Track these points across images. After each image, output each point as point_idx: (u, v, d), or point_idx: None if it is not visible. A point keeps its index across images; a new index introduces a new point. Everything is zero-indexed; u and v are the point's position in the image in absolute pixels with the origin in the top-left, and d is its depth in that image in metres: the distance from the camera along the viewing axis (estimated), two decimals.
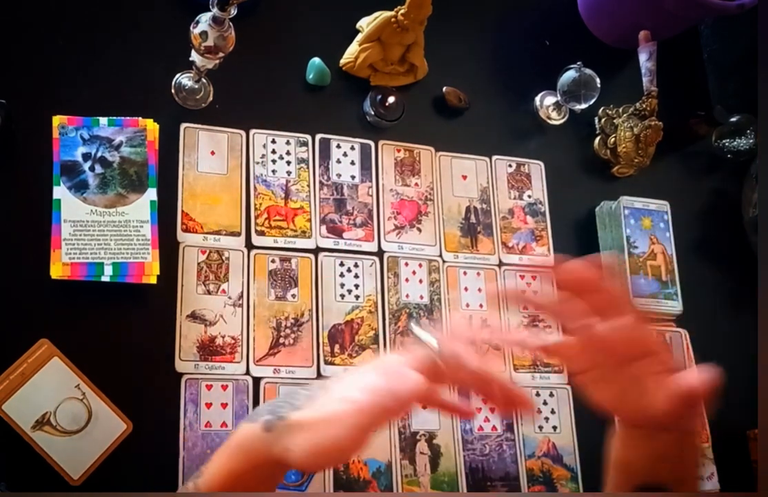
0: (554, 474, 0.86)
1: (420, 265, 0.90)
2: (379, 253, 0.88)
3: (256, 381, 0.79)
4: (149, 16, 0.88)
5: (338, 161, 0.91)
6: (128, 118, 0.80)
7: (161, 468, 0.74)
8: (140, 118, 0.80)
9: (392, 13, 0.89)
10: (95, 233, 0.75)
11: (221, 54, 0.76)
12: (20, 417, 0.68)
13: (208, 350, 0.78)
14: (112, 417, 0.72)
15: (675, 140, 1.05)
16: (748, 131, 1.06)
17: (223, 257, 0.82)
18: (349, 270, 0.86)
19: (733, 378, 0.95)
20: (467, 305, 0.90)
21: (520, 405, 0.53)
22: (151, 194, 0.78)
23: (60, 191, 0.76)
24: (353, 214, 0.89)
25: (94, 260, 0.74)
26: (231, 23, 0.74)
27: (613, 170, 1.02)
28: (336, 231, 0.87)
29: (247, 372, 0.79)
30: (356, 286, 0.86)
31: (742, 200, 1.05)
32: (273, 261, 0.84)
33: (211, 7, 0.71)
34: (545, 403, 0.88)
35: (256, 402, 0.78)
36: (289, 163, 0.88)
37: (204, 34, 0.74)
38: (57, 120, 0.78)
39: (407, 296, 0.88)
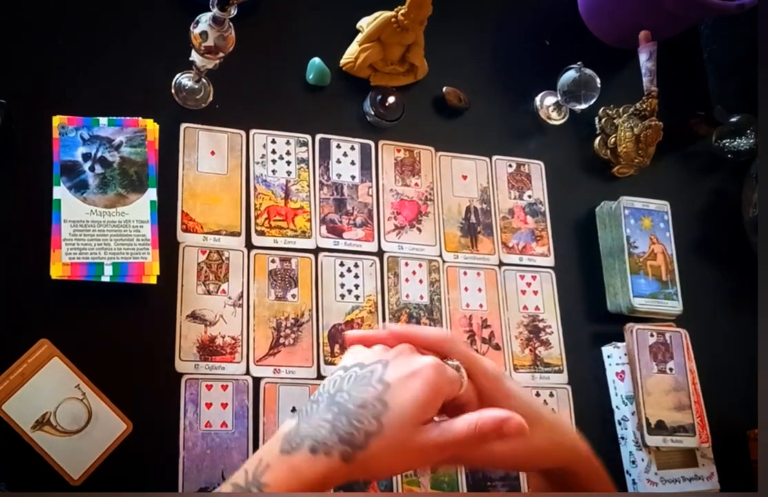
0: None
1: (420, 265, 0.89)
2: (379, 253, 0.88)
3: (256, 381, 0.79)
4: (149, 16, 0.88)
5: (338, 161, 0.91)
6: (128, 118, 0.80)
7: (161, 468, 0.74)
8: (140, 119, 0.80)
9: (392, 13, 0.89)
10: (95, 233, 0.75)
11: (221, 54, 0.76)
12: (20, 417, 0.68)
13: (208, 350, 0.78)
14: (112, 417, 0.72)
15: (675, 140, 1.05)
16: (748, 131, 1.05)
17: (223, 257, 0.82)
18: (349, 270, 0.86)
19: (733, 378, 0.97)
20: (467, 305, 0.90)
21: (504, 426, 0.48)
22: (151, 194, 0.78)
23: (60, 191, 0.76)
24: (353, 214, 0.89)
25: (94, 260, 0.74)
26: (231, 23, 0.74)
27: (614, 170, 1.02)
28: (336, 231, 0.87)
29: (247, 372, 0.79)
30: (356, 286, 0.86)
31: (742, 200, 1.05)
32: (273, 261, 0.84)
33: (211, 7, 0.71)
34: (545, 403, 0.88)
35: (256, 402, 0.78)
36: (289, 163, 0.88)
37: (204, 34, 0.74)
38: (57, 120, 0.78)
39: (407, 296, 0.88)
